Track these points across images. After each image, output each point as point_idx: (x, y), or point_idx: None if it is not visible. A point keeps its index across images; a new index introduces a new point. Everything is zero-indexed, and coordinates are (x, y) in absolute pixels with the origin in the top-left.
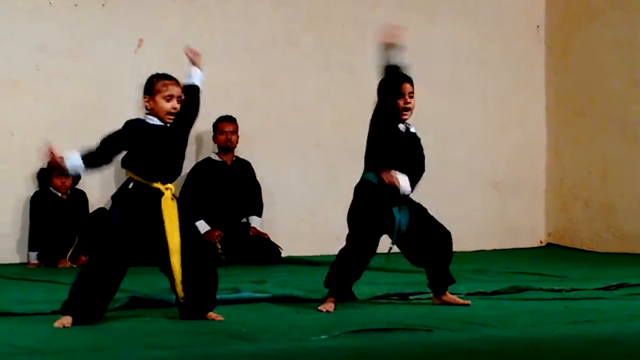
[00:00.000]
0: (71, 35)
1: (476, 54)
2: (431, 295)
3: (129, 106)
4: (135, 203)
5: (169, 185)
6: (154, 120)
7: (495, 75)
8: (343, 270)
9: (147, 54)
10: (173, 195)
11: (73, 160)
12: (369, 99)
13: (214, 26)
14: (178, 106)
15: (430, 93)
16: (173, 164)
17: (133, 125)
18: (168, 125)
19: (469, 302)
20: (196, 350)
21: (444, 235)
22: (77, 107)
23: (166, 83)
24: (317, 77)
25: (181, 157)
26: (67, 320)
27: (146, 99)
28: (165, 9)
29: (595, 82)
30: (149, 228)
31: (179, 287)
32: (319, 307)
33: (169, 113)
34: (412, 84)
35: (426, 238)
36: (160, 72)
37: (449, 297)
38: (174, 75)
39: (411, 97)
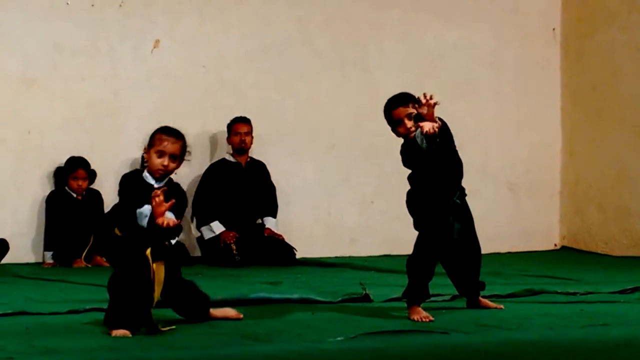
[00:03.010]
0: (88, 35)
1: (492, 55)
2: (447, 298)
3: (144, 106)
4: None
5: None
6: (148, 178)
7: (510, 77)
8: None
9: (163, 55)
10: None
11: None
12: (384, 100)
13: (230, 27)
14: (169, 164)
15: (445, 95)
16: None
17: (130, 181)
18: (157, 186)
19: (502, 306)
20: (212, 351)
21: (478, 249)
22: (93, 107)
23: (162, 138)
24: (332, 77)
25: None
26: (122, 332)
27: (145, 151)
28: (181, 9)
29: (610, 84)
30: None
31: None
32: (413, 317)
33: (158, 170)
34: (406, 105)
35: (465, 251)
36: (177, 71)
37: (483, 301)
38: (188, 81)
39: (410, 119)
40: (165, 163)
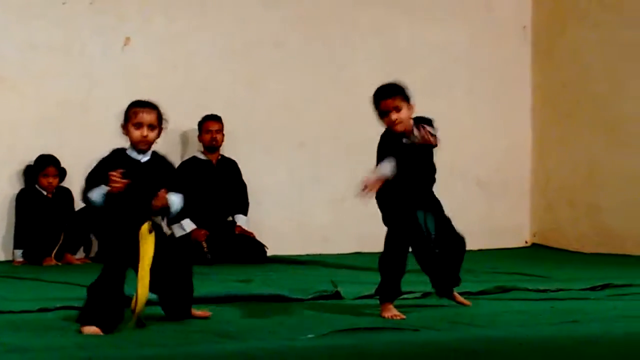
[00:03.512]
0: (59, 33)
1: (465, 54)
2: (418, 295)
3: (115, 104)
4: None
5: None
6: (133, 153)
7: (483, 76)
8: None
9: (134, 53)
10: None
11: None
12: (355, 99)
13: (200, 25)
14: (149, 134)
15: (417, 93)
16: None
17: (112, 159)
18: (144, 160)
19: (469, 302)
20: (184, 349)
21: (462, 243)
22: (65, 105)
23: (137, 110)
24: (303, 76)
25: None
26: (94, 329)
27: (122, 128)
28: (152, 7)
29: (580, 83)
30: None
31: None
32: (385, 315)
33: (139, 142)
34: (394, 97)
35: (446, 246)
36: (148, 69)
37: (455, 295)
38: (159, 78)
39: (397, 111)
40: (145, 133)
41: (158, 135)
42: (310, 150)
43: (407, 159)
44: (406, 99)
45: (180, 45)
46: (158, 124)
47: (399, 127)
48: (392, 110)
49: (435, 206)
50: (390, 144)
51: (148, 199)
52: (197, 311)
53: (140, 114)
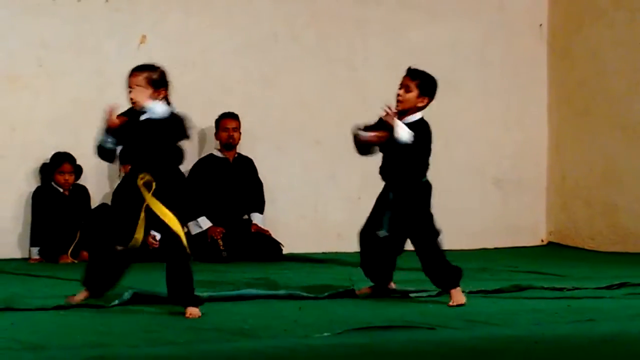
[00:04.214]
0: (73, 31)
1: (478, 53)
2: (433, 293)
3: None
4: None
5: (143, 174)
6: (139, 114)
7: (497, 74)
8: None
9: (149, 51)
10: (148, 182)
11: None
12: (370, 96)
13: (217, 22)
14: (132, 95)
15: None
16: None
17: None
18: (140, 118)
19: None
20: (198, 347)
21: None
22: (79, 103)
23: (128, 76)
24: (318, 73)
25: (144, 147)
26: (83, 294)
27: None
28: (167, 5)
29: (597, 81)
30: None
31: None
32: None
33: (130, 102)
34: (409, 78)
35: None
36: (164, 66)
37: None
38: (175, 76)
39: (406, 91)
40: (131, 96)
41: (155, 93)
42: (325, 148)
43: (395, 142)
44: (421, 87)
45: (195, 43)
46: (149, 84)
47: (399, 105)
48: (402, 86)
49: (401, 209)
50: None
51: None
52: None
53: (128, 79)
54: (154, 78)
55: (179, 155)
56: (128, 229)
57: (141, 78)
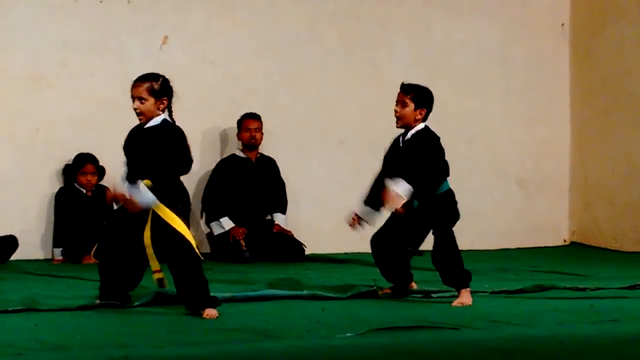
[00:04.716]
0: (96, 32)
1: (500, 51)
2: (456, 293)
3: None
4: None
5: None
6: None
7: (519, 73)
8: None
9: (172, 51)
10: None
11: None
12: (393, 96)
13: (238, 23)
14: (137, 105)
15: (455, 91)
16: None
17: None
18: (144, 127)
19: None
20: (222, 347)
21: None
22: (102, 103)
23: (131, 87)
24: (340, 74)
25: (143, 158)
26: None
27: None
28: (189, 5)
29: (619, 80)
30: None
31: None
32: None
33: (135, 112)
34: (404, 93)
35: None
36: (186, 67)
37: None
38: (200, 72)
39: (402, 106)
40: (134, 106)
41: (157, 104)
42: (347, 148)
43: (397, 159)
44: (415, 100)
45: (217, 43)
46: (150, 94)
47: (398, 122)
48: (398, 103)
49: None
50: (392, 145)
51: None
52: (209, 310)
53: (132, 90)
54: (155, 88)
55: (181, 164)
56: (134, 234)
57: (143, 89)
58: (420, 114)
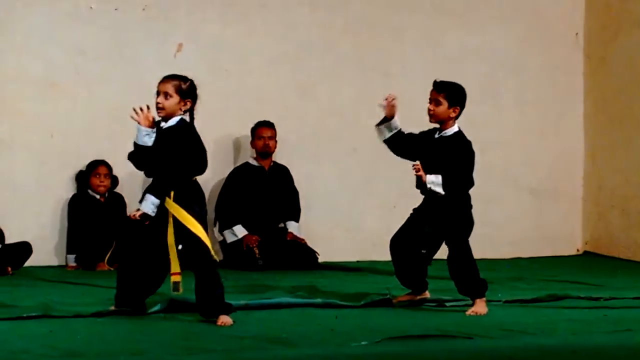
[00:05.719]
0: (111, 39)
1: (514, 60)
2: (470, 302)
3: None
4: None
5: None
6: (163, 124)
7: (533, 83)
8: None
9: (186, 59)
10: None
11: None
12: (406, 103)
13: (253, 31)
14: (160, 100)
15: (468, 100)
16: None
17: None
18: (162, 126)
19: None
20: (236, 355)
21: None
22: (116, 111)
23: (159, 82)
24: (354, 82)
25: (164, 161)
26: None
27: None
28: (204, 13)
29: (633, 89)
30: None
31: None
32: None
33: (157, 109)
34: (437, 91)
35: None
36: (200, 75)
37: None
38: (211, 84)
39: (436, 105)
40: (158, 100)
41: (181, 103)
42: (360, 156)
43: (432, 152)
44: (449, 98)
45: (231, 51)
46: (177, 92)
47: (432, 119)
48: (431, 101)
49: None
50: (425, 133)
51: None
52: (224, 317)
53: (158, 85)
54: (183, 88)
55: (195, 163)
56: (156, 237)
57: (170, 85)
58: (454, 111)
